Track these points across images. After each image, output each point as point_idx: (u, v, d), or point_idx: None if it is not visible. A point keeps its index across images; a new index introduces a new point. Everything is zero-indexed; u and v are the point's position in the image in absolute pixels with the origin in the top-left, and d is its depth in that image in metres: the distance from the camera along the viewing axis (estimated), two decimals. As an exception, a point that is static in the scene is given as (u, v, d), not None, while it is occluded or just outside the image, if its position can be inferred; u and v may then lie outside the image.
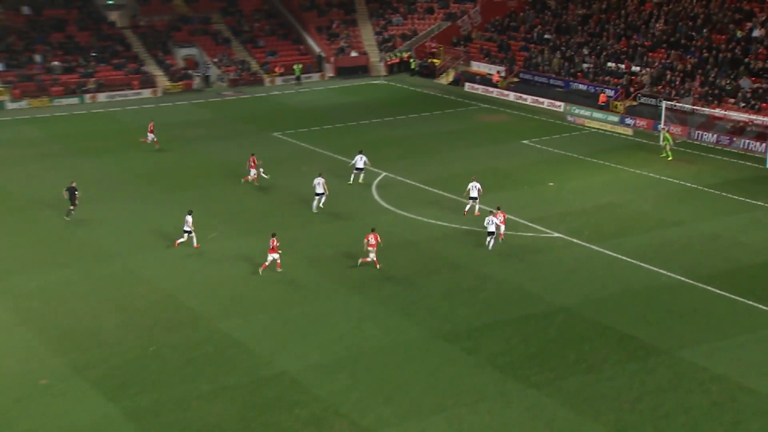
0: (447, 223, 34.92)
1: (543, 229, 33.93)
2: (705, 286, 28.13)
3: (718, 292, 27.68)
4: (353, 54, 73.67)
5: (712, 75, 50.76)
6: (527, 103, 58.69)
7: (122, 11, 70.80)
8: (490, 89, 62.35)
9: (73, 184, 35.67)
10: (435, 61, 70.56)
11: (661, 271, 29.52)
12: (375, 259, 29.97)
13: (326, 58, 72.81)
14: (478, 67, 66.92)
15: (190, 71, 67.65)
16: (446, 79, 68.02)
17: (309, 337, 25.34)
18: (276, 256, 29.79)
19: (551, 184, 39.04)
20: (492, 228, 31.66)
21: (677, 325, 25.61)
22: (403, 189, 39.81)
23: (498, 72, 63.57)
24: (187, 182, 41.35)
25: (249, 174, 39.77)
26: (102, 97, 62.21)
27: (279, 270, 29.91)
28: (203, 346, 24.75)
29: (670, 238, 32.71)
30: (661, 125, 47.40)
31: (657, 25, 57.94)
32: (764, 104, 47.07)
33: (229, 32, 73.01)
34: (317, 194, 36.28)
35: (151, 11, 71.73)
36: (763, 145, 43.70)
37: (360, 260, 30.29)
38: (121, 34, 69.04)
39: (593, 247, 31.95)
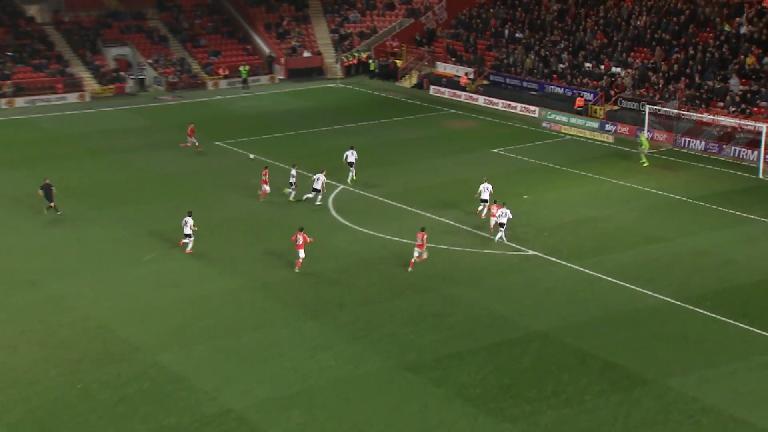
0: (411, 240, 34.98)
1: (517, 246, 34.15)
2: (694, 308, 28.51)
3: (709, 314, 28.06)
4: (306, 54, 73.75)
5: (699, 76, 51.71)
6: (498, 107, 59.22)
7: (43, 5, 69.87)
8: (458, 93, 62.82)
9: (47, 181, 37.49)
10: (397, 61, 70.93)
11: (646, 291, 29.87)
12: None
13: (276, 59, 72.79)
14: (444, 68, 67.42)
15: (122, 73, 67.11)
16: (409, 81, 68.40)
17: (258, 370, 25.13)
18: (302, 253, 31.61)
19: (526, 197, 39.35)
20: (503, 219, 33.62)
21: (664, 352, 25.90)
22: (363, 203, 39.84)
23: (466, 74, 64.09)
24: (120, 198, 40.91)
25: (262, 189, 39.55)
26: (20, 102, 61.41)
27: (297, 270, 31.46)
28: (139, 382, 24.41)
29: (655, 255, 33.13)
30: (646, 131, 48.11)
31: (638, 22, 58.98)
32: (755, 108, 48.07)
33: (166, 30, 72.66)
34: (315, 190, 38.57)
35: (77, 6, 71.04)
36: (755, 153, 44.55)
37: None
38: (42, 31, 68.23)
39: (572, 265, 32.23)
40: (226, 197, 41.03)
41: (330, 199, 40.17)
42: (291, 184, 39.59)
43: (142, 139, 52.30)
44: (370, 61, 71.98)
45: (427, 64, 69.26)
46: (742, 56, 51.17)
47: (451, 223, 36.82)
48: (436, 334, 27.00)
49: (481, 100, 60.88)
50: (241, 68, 68.47)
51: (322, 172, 39.05)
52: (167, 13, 73.97)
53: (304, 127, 53.76)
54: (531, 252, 33.52)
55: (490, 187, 36.68)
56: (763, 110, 47.87)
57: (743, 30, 52.88)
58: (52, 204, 37.35)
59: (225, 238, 35.61)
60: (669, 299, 29.20)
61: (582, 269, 31.82)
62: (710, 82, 50.60)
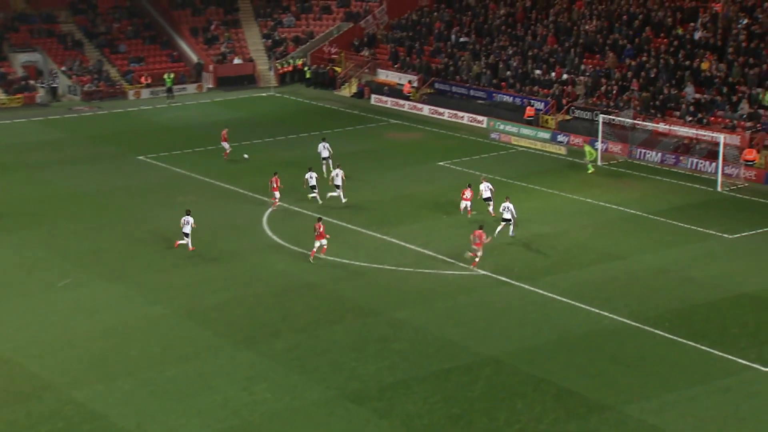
0: (352, 260, 34.99)
1: (465, 265, 34.37)
2: (653, 330, 28.98)
3: (668, 336, 28.55)
4: (237, 61, 73.52)
5: (655, 83, 52.82)
6: (444, 118, 59.72)
7: (-62, 6, 68.67)
8: (401, 102, 63.19)
9: None
10: (335, 69, 71.12)
11: (602, 312, 30.28)
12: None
13: (204, 66, 72.39)
14: (386, 76, 67.79)
15: (31, 82, 66.02)
16: (349, 90, 68.61)
17: (186, 404, 24.82)
18: (324, 242, 34.04)
19: (474, 212, 39.66)
20: (508, 215, 36.36)
21: (622, 377, 26.26)
22: (300, 221, 39.75)
23: (409, 82, 64.53)
24: (31, 217, 40.22)
25: (274, 197, 40.93)
26: None
27: (319, 256, 34.00)
28: (52, 421, 23.91)
29: (611, 274, 33.64)
30: (600, 142, 48.93)
31: (588, 27, 60.10)
32: (712, 118, 49.27)
33: (81, 34, 71.79)
34: (336, 186, 41.09)
35: (-21, 8, 69.85)
36: (713, 164, 45.59)
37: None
38: (-61, 35, 66.98)
39: (524, 286, 32.55)
40: (150, 216, 40.58)
41: (264, 218, 40.01)
42: (313, 188, 41.41)
43: (56, 153, 51.52)
44: (306, 68, 72.05)
45: (367, 72, 69.57)
46: (698, 62, 52.42)
47: (396, 241, 36.93)
48: (381, 362, 27.00)
49: (425, 110, 61.31)
50: (165, 76, 67.95)
51: (338, 167, 41.81)
52: (82, 16, 73.08)
53: (236, 140, 53.41)
54: (481, 272, 33.77)
55: (491, 186, 39.06)
56: (720, 120, 49.07)
57: (697, 35, 54.23)
58: None
59: (149, 261, 35.18)
60: (626, 320, 29.64)
61: (535, 289, 32.15)
62: (665, 90, 51.69)
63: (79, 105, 64.63)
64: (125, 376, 26.26)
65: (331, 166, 44.66)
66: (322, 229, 34.36)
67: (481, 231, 33.65)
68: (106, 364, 26.95)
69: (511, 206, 36.59)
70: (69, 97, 66.32)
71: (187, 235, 35.73)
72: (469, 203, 38.92)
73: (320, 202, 41.37)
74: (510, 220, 36.66)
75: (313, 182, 41.54)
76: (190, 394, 25.34)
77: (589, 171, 46.29)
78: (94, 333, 29.03)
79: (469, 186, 39.40)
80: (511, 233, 36.70)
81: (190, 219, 35.73)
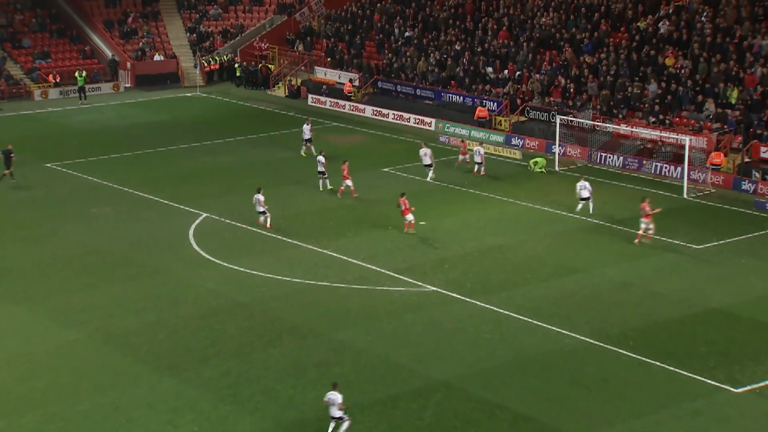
0: (288, 277, 34.93)
1: (414, 281, 34.50)
2: (615, 349, 29.33)
3: (631, 355, 28.92)
4: (158, 58, 73.03)
5: (616, 80, 53.63)
6: (388, 119, 59.94)
7: None
8: (341, 102, 63.29)
9: (9, 147, 46.06)
10: (268, 66, 71.01)
11: (561, 331, 30.58)
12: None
13: (121, 63, 71.76)
14: (324, 74, 67.87)
15: None
16: (283, 89, 68.55)
17: (104, 440, 24.59)
18: (410, 217, 37.98)
19: (422, 223, 39.85)
20: (586, 193, 40.38)
21: (584, 401, 26.55)
22: (230, 234, 39.57)
23: (350, 80, 64.69)
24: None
25: (343, 185, 43.15)
26: None
27: (411, 231, 38.02)
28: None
29: (571, 288, 34.01)
30: (557, 144, 49.52)
31: (543, 19, 60.83)
32: (677, 119, 50.17)
33: (-21, 27, 70.72)
34: (426, 166, 45.73)
35: None
36: (679, 169, 46.39)
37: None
38: None
39: (477, 302, 32.76)
40: (60, 231, 40.08)
41: (190, 231, 39.76)
42: (323, 173, 44.33)
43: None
44: (236, 65, 71.81)
45: (303, 69, 69.58)
46: (660, 58, 53.36)
47: (337, 255, 36.95)
48: (321, 388, 26.94)
49: (368, 111, 61.48)
50: (76, 74, 67.18)
51: (425, 145, 46.22)
52: (-23, 7, 71.93)
53: (157, 144, 53.05)
54: (430, 288, 33.93)
55: (588, 185, 41.14)
56: (685, 121, 50.01)
57: (661, 29, 55.22)
58: (8, 171, 45.59)
59: (59, 280, 34.73)
60: (587, 339, 29.97)
61: (488, 306, 32.37)
62: (628, 87, 52.50)
63: (-22, 107, 63.63)
64: (31, 410, 25.84)
65: (313, 150, 48.92)
66: (406, 204, 37.88)
67: (644, 203, 37.26)
68: (9, 398, 26.50)
69: (587, 184, 40.68)
70: (-33, 97, 65.27)
71: (262, 213, 39.07)
72: (410, 217, 38.76)
73: (331, 187, 44.13)
74: (588, 198, 40.57)
75: (321, 168, 44.34)
76: (107, 429, 25.04)
77: (540, 171, 47.83)
78: (-1, 362, 28.60)
79: (402, 195, 39.22)
80: (591, 210, 40.48)
81: (261, 197, 39.00)
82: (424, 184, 45.76)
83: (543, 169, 48.12)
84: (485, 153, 47.93)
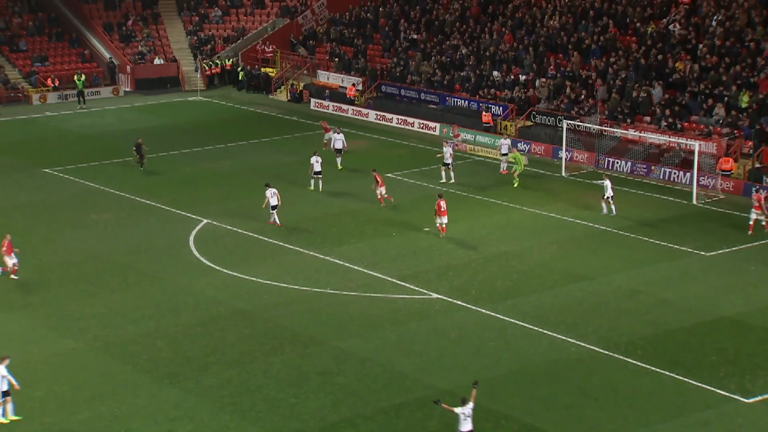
0: (290, 284, 34.95)
1: (418, 288, 34.51)
2: (623, 358, 29.32)
3: (640, 364, 28.90)
4: (158, 61, 73.14)
5: (625, 85, 53.65)
6: (392, 124, 59.98)
7: None
8: (344, 107, 63.35)
9: (139, 141, 49.58)
10: (269, 70, 71.10)
11: (568, 339, 30.58)
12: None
13: (120, 67, 71.89)
14: (327, 78, 67.94)
15: None
16: (285, 94, 68.63)
17: (103, 450, 24.63)
18: (445, 219, 38.47)
19: (427, 229, 39.88)
20: (609, 192, 41.70)
21: (591, 410, 26.54)
22: (231, 240, 39.61)
23: (353, 84, 64.77)
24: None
25: (378, 193, 43.17)
26: None
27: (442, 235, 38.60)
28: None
29: (578, 296, 34.01)
30: (564, 149, 49.52)
31: (551, 23, 60.90)
32: (686, 123, 50.18)
33: (-25, 30, 70.88)
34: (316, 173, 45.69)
35: None
36: (687, 175, 46.37)
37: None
38: None
39: (482, 310, 32.77)
40: (59, 237, 40.15)
41: (191, 237, 39.81)
42: (318, 173, 45.61)
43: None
44: (239, 69, 71.91)
45: (306, 73, 69.67)
46: (671, 62, 53.40)
47: (339, 262, 36.98)
48: (323, 398, 26.97)
49: (371, 116, 61.53)
50: (75, 78, 67.29)
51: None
52: (-26, 10, 72.09)
53: (158, 149, 53.09)
54: (434, 295, 33.94)
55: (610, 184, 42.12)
56: (694, 126, 50.00)
57: (671, 33, 55.24)
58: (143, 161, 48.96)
59: (57, 288, 34.77)
60: (594, 347, 29.97)
61: (494, 314, 32.38)
62: (635, 94, 52.51)
63: (-24, 111, 63.76)
64: (28, 421, 25.85)
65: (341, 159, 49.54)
66: (444, 207, 38.32)
67: (758, 194, 39.36)
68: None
69: (609, 183, 41.95)
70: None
71: (274, 208, 39.93)
72: (445, 218, 38.93)
73: (320, 190, 45.24)
74: (609, 197, 41.83)
75: (318, 168, 45.19)
76: (107, 437, 25.09)
77: (515, 184, 46.43)
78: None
79: (440, 196, 39.55)
80: (613, 212, 41.81)
81: (271, 192, 40.06)
82: (429, 190, 45.76)
83: (516, 178, 46.44)
84: (506, 155, 48.74)
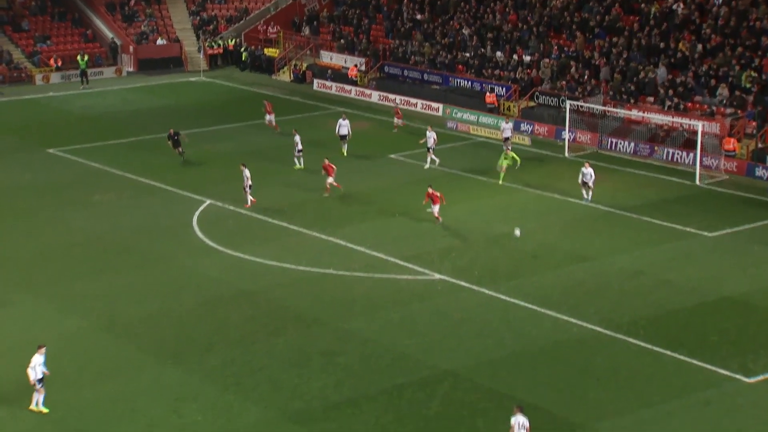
0: (293, 265, 35.03)
1: (420, 269, 34.58)
2: (625, 338, 29.41)
3: (643, 345, 28.98)
4: (160, 42, 73.02)
5: (628, 65, 53.52)
6: (395, 104, 59.87)
7: None
8: (347, 87, 63.26)
9: (171, 131, 47.92)
10: (272, 51, 70.98)
11: (570, 320, 30.67)
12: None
13: (123, 47, 71.79)
14: (330, 58, 67.83)
15: None
16: (288, 74, 68.54)
17: (105, 430, 24.68)
18: (437, 208, 37.57)
19: (429, 210, 39.92)
20: (588, 180, 40.50)
21: (593, 391, 26.65)
22: (234, 221, 39.68)
23: (356, 65, 64.65)
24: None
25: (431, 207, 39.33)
26: None
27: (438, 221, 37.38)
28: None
29: (580, 277, 34.07)
30: (567, 130, 49.45)
31: (555, 3, 60.67)
32: (689, 104, 50.10)
33: (-24, 10, 70.73)
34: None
35: None
36: (691, 155, 46.35)
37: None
38: None
39: (485, 291, 32.85)
40: (62, 218, 40.22)
41: (194, 218, 39.87)
42: (300, 151, 45.80)
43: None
44: (242, 50, 71.79)
45: (309, 54, 69.54)
46: (673, 42, 53.25)
47: (342, 243, 37.05)
48: (326, 378, 27.08)
49: (374, 96, 61.46)
50: (78, 58, 67.22)
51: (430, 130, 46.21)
52: (-25, -11, 71.92)
53: (160, 130, 53.05)
54: (437, 276, 34.01)
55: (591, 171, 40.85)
56: (698, 106, 49.91)
57: (675, 13, 55.05)
58: (181, 150, 47.50)
59: (61, 268, 34.87)
60: (596, 328, 30.04)
61: (496, 295, 32.46)
62: (641, 73, 52.40)
63: (-22, 92, 63.79)
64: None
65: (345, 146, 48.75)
66: (438, 193, 38.07)
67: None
68: (11, 386, 26.62)
69: (591, 171, 40.60)
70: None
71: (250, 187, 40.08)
72: (437, 207, 38.50)
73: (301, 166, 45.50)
74: (586, 183, 40.89)
75: (300, 147, 45.39)
76: (111, 418, 25.19)
77: (500, 182, 44.11)
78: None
79: (430, 186, 39.26)
80: (588, 197, 41.01)
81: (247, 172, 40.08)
82: (431, 172, 45.78)
83: (502, 171, 44.03)
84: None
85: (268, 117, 53.70)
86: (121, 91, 65.33)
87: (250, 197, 40.63)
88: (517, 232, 35.20)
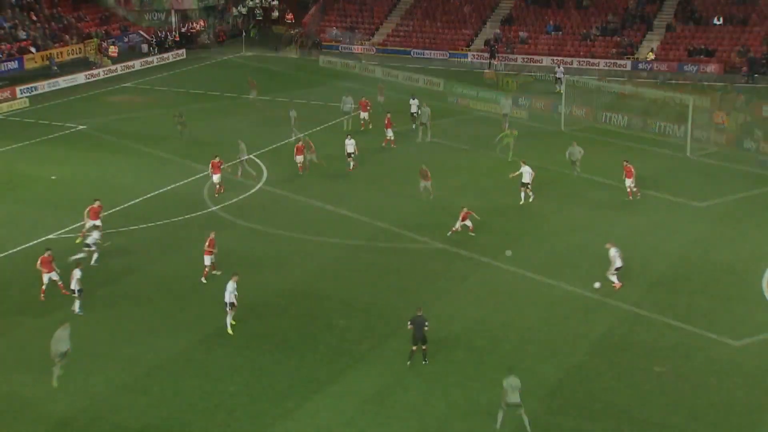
0: (300, 234, 35.29)
1: (420, 238, 34.83)
2: (617, 304, 29.62)
3: (633, 309, 29.19)
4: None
5: (620, 39, 53.67)
6: (398, 80, 60.00)
7: None
8: (351, 63, 63.35)
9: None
10: (280, 28, 70.98)
11: (564, 287, 30.80)
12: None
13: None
14: (335, 35, 67.84)
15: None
16: (295, 50, 68.56)
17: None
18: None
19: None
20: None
21: (586, 356, 26.93)
22: (243, 194, 39.94)
23: (361, 42, 64.66)
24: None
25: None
26: None
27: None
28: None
29: (574, 245, 34.04)
30: (563, 104, 49.61)
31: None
32: (680, 79, 50.07)
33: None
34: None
35: None
36: (682, 128, 46.45)
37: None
38: None
39: (483, 259, 32.94)
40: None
41: (204, 191, 40.04)
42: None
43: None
44: (251, 27, 71.82)
45: (315, 30, 69.55)
46: (662, 17, 53.34)
47: (347, 213, 37.19)
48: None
49: (378, 72, 61.55)
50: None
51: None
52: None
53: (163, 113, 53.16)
54: (439, 245, 34.19)
55: (531, 170, 37.95)
56: (689, 81, 49.98)
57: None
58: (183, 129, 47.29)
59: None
60: (589, 295, 30.15)
61: (495, 263, 32.54)
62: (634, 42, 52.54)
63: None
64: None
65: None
66: (429, 174, 37.49)
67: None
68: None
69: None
70: None
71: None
72: (429, 183, 38.28)
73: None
74: (575, 162, 40.40)
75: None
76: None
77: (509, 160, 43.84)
78: None
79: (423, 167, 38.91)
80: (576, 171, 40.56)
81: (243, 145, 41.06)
82: (437, 145, 45.87)
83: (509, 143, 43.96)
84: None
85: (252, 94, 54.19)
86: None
87: (240, 169, 41.00)
88: (509, 252, 34.17)
